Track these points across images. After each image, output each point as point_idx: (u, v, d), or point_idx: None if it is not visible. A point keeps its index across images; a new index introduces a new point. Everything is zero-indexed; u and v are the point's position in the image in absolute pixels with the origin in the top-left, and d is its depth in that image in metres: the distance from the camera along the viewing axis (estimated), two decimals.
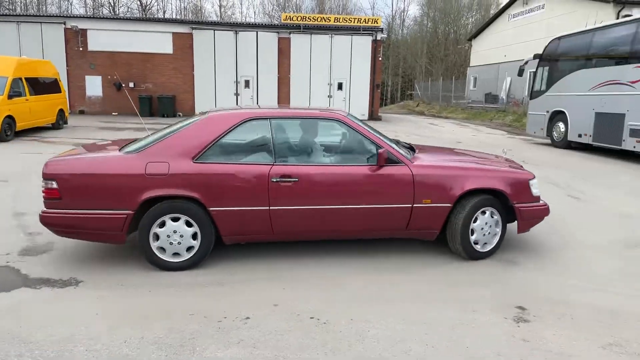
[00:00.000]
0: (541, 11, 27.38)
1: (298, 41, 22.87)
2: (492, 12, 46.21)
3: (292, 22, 22.92)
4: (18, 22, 21.59)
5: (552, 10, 26.15)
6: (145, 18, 28.46)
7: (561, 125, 12.82)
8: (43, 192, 3.74)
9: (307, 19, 23.41)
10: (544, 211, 4.32)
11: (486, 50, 34.08)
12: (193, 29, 22.50)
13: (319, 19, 23.34)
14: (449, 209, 4.00)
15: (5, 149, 10.87)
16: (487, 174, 4.11)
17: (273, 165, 3.81)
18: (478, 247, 4.14)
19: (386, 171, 3.91)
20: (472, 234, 4.08)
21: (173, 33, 22.40)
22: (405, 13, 54.17)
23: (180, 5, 50.65)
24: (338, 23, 22.96)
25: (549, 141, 13.69)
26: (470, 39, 37.87)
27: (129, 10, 46.66)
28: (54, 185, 3.68)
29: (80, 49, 21.99)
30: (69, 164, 3.80)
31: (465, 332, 2.95)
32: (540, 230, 5.12)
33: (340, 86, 23.30)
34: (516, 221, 4.24)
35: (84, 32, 21.92)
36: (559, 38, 13.35)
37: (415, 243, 4.62)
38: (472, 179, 4.01)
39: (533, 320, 3.13)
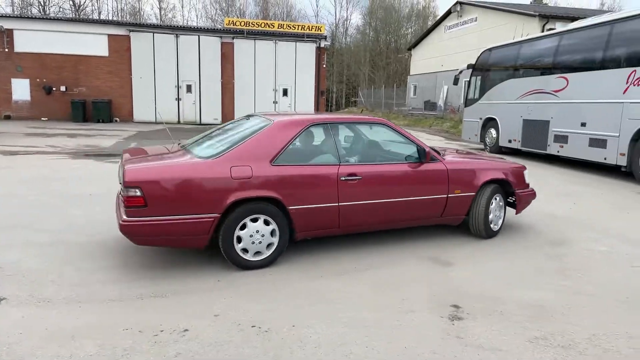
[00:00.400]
0: (474, 23, 28.98)
1: (242, 46, 22.67)
2: (430, 23, 48.36)
3: (235, 27, 22.70)
4: None
5: (484, 23, 27.76)
6: (79, 19, 26.99)
7: (493, 131, 13.60)
8: (124, 200, 3.62)
9: (250, 24, 23.28)
10: (533, 195, 5.54)
11: (425, 60, 35.53)
12: (130, 31, 21.66)
13: (262, 25, 23.29)
14: (472, 197, 4.93)
15: None
16: (497, 167, 5.19)
17: (340, 165, 4.28)
18: (493, 226, 5.10)
19: (429, 167, 4.68)
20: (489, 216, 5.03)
21: (109, 35, 21.44)
22: (348, 22, 55.30)
23: (117, 6, 48.48)
24: (282, 29, 23.03)
25: (482, 146, 14.46)
26: (409, 49, 39.33)
27: (61, 10, 44.10)
28: (138, 193, 3.60)
29: (6, 50, 20.48)
30: (154, 171, 3.77)
31: (403, 332, 3.04)
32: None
33: (285, 92, 23.35)
34: (515, 204, 5.36)
35: (9, 32, 20.46)
36: (490, 49, 14.19)
37: (353, 247, 4.70)
38: (489, 172, 5.04)
39: (466, 317, 3.28)
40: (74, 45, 21.08)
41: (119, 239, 4.54)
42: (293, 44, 23.07)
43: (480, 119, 14.13)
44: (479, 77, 14.50)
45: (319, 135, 4.56)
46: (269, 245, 4.05)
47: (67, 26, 21.47)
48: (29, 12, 38.57)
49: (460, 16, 30.32)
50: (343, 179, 4.21)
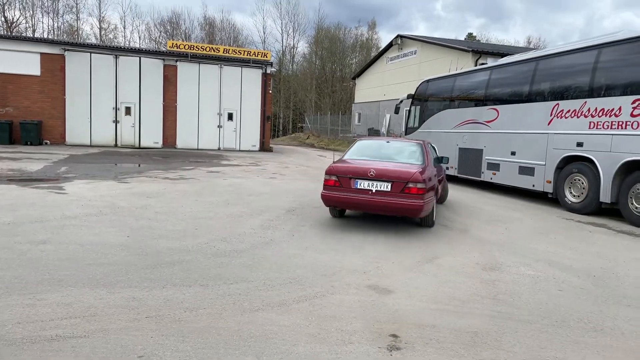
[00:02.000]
0: (414, 56, 30.46)
1: (185, 69, 22.29)
2: (373, 54, 50.29)
3: (179, 49, 22.32)
4: None
5: (423, 56, 29.25)
6: (9, 36, 25.48)
7: None
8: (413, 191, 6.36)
9: (195, 47, 23.01)
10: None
11: (368, 89, 36.74)
12: (66, 50, 20.67)
13: (207, 49, 23.09)
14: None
15: None
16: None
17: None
18: None
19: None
20: None
21: (41, 53, 20.33)
22: (295, 49, 56.21)
23: (53, 24, 46.34)
24: (228, 54, 22.94)
25: None
26: (354, 78, 40.56)
27: None
28: (419, 185, 6.38)
29: None
30: (419, 174, 6.55)
31: None
32: (412, 258, 5.47)
33: (230, 116, 23.09)
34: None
35: None
36: (428, 81, 14.89)
37: (287, 272, 4.59)
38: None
39: (404, 347, 3.24)
40: (3, 63, 19.77)
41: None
42: (239, 69, 23.01)
43: None
44: (417, 107, 15.13)
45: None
46: None
47: None
48: None
49: (401, 49, 31.79)
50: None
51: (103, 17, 49.23)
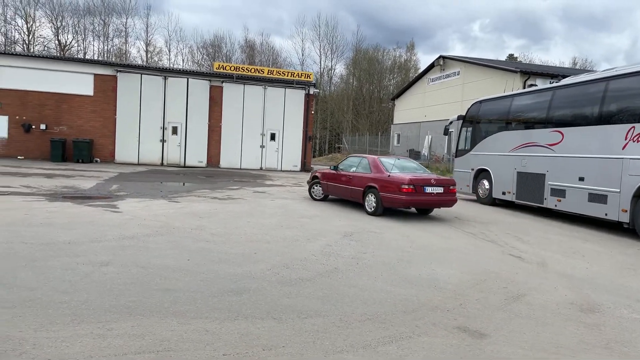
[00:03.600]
0: (457, 77, 29.91)
1: (231, 90, 22.63)
2: (412, 75, 49.99)
3: (224, 71, 22.72)
4: None
5: (467, 76, 28.67)
6: (64, 57, 26.72)
7: (485, 182, 13.50)
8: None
9: (240, 69, 23.39)
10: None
11: (408, 110, 36.31)
12: (118, 71, 21.42)
13: (252, 70, 23.42)
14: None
15: None
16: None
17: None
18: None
19: None
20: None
21: (95, 74, 21.13)
22: (332, 71, 56.66)
23: (103, 47, 48.67)
24: (272, 75, 23.18)
25: (474, 197, 14.31)
26: (393, 99, 40.27)
27: (46, 49, 43.98)
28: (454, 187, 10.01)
29: None
30: (453, 180, 10.69)
31: None
32: (496, 294, 4.98)
33: (273, 137, 23.16)
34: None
35: None
36: (481, 102, 14.37)
37: (353, 313, 4.20)
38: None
39: None
40: (58, 84, 20.65)
41: (109, 295, 3.93)
42: (282, 90, 23.16)
43: (472, 169, 14.07)
44: (469, 128, 14.59)
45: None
46: None
47: (52, 64, 21.11)
48: (13, 49, 38.22)
49: (443, 69, 31.33)
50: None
51: (149, 41, 51.32)
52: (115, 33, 49.41)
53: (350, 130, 49.39)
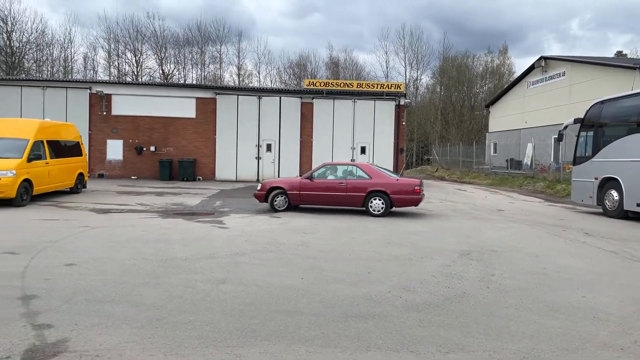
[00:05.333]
0: (562, 79, 27.36)
1: (321, 106, 22.80)
2: (507, 80, 46.99)
3: (315, 87, 22.98)
4: (44, 87, 21.90)
5: (574, 77, 26.08)
6: (171, 84, 28.99)
7: (614, 193, 11.82)
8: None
9: (330, 84, 23.52)
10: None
11: (505, 117, 33.95)
12: (217, 94, 22.63)
13: (342, 85, 23.43)
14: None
15: (20, 214, 10.15)
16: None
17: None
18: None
19: None
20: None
21: (197, 98, 22.52)
22: (418, 81, 55.24)
23: (200, 74, 52.35)
24: (361, 89, 22.97)
25: (599, 210, 12.62)
26: (487, 106, 38.02)
27: (151, 78, 48.33)
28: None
29: (104, 113, 22.08)
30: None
31: None
32: None
33: (363, 150, 22.85)
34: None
35: (108, 97, 22.12)
36: (602, 102, 12.75)
37: (502, 348, 3.52)
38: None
39: None
40: (164, 108, 22.31)
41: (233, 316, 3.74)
42: (372, 102, 22.84)
43: (596, 178, 12.43)
44: (589, 133, 12.98)
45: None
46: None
47: (159, 91, 22.92)
48: (124, 80, 42.55)
49: (545, 71, 28.88)
50: None
51: (241, 65, 54.20)
52: (211, 60, 52.92)
53: (439, 141, 47.55)
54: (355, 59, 76.11)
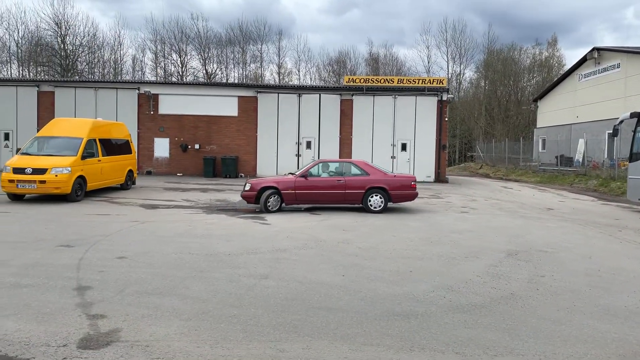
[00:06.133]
0: (616, 71, 25.85)
1: (360, 102, 22.64)
2: (555, 72, 44.91)
3: (354, 84, 22.86)
4: (96, 87, 22.98)
5: (630, 69, 24.57)
6: (214, 83, 29.70)
7: None
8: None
9: (369, 80, 23.31)
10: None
11: (555, 111, 32.48)
12: (258, 92, 22.95)
13: (382, 81, 23.16)
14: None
15: (74, 209, 10.71)
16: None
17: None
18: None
19: None
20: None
21: (239, 97, 22.93)
22: (461, 76, 53.72)
23: (242, 73, 53.27)
24: (402, 84, 22.61)
25: None
26: (535, 100, 36.50)
27: (195, 78, 49.69)
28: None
29: (152, 112, 22.89)
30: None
31: None
32: None
33: (404, 147, 22.50)
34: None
35: (155, 96, 22.90)
36: None
37: (554, 354, 3.35)
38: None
39: None
40: (208, 107, 22.86)
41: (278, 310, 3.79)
42: (413, 98, 22.43)
43: None
44: None
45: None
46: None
47: (203, 90, 23.52)
48: (170, 80, 43.97)
49: (598, 63, 27.38)
50: None
51: (281, 63, 54.70)
52: (252, 59, 53.75)
53: (483, 137, 46.10)
54: (395, 55, 75.21)
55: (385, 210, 11.17)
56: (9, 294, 4.57)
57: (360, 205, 11.31)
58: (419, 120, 22.45)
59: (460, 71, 53.18)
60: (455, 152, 52.45)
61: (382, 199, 11.14)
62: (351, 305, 4.50)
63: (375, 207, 11.14)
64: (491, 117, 48.77)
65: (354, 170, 11.49)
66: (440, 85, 22.43)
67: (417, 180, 11.90)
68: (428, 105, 22.46)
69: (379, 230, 8.75)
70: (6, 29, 45.75)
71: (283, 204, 11.15)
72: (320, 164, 11.66)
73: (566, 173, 24.03)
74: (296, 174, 11.50)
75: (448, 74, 51.37)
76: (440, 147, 22.38)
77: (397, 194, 11.22)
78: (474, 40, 77.70)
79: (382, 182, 11.20)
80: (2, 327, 3.73)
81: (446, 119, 22.94)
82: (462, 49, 51.79)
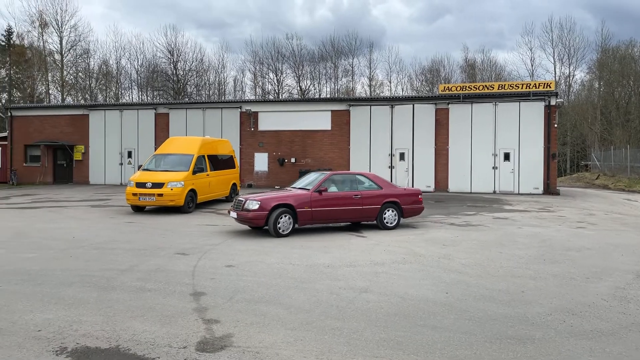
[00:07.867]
0: None
1: (457, 111, 21.79)
2: None
3: (450, 92, 22.10)
4: (203, 108, 25.02)
5: None
6: (308, 99, 30.79)
7: None
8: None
9: (466, 88, 22.38)
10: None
11: None
12: (350, 105, 23.22)
13: (480, 88, 22.08)
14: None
15: (186, 220, 11.66)
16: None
17: None
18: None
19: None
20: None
21: (332, 111, 23.39)
22: (571, 78, 49.26)
23: (334, 88, 54.40)
24: (503, 90, 21.33)
25: None
26: None
27: (290, 94, 51.83)
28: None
29: (252, 129, 24.27)
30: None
31: None
32: None
33: (507, 157, 21.12)
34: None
35: (255, 114, 24.27)
36: None
37: None
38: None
39: None
40: (303, 122, 23.67)
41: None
42: (516, 104, 21.02)
43: None
44: None
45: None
46: None
47: (298, 106, 24.44)
48: (268, 98, 46.38)
49: None
50: None
51: (372, 76, 54.84)
52: (344, 73, 54.68)
53: (600, 144, 41.59)
54: (493, 59, 71.17)
55: (398, 226, 10.18)
56: (137, 297, 5.08)
57: (374, 222, 10.21)
58: (524, 128, 20.96)
59: (569, 73, 48.88)
60: (567, 161, 47.98)
61: (396, 214, 10.21)
62: (458, 325, 4.28)
63: (390, 223, 10.15)
64: (608, 122, 43.95)
65: (368, 183, 10.46)
66: (548, 89, 20.78)
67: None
68: (534, 111, 20.90)
69: (483, 246, 8.27)
70: (128, 59, 51.89)
71: (296, 225, 9.34)
72: (332, 177, 10.21)
73: None
74: (310, 189, 9.69)
75: (555, 76, 47.43)
76: (549, 156, 20.63)
77: (408, 209, 10.41)
78: (585, 38, 70.71)
79: (395, 196, 10.33)
80: (131, 328, 4.14)
81: (555, 125, 21.13)
82: (572, 49, 47.57)
